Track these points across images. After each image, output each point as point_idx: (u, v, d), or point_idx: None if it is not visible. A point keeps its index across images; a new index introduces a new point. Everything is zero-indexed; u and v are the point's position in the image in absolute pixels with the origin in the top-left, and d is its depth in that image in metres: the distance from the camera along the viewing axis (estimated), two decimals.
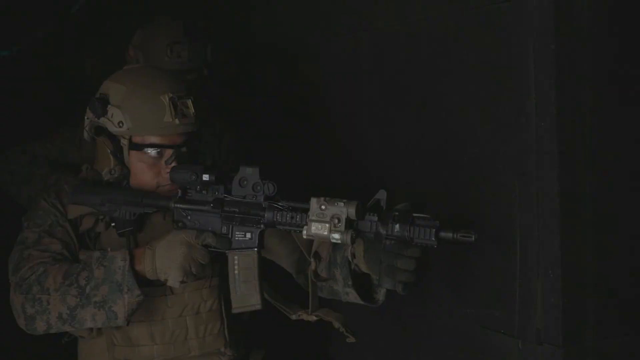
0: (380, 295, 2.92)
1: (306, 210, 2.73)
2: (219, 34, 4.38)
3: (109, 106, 2.98)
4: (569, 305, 2.86)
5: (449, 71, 3.19)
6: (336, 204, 2.66)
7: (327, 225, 2.66)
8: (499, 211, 3.00)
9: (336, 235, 2.66)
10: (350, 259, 2.90)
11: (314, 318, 3.03)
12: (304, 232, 2.71)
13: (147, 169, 3.03)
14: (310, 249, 3.05)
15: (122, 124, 2.95)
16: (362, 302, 2.92)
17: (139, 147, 3.00)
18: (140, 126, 2.98)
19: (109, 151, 3.04)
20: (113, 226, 3.05)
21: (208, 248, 2.92)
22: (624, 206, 2.91)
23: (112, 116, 2.97)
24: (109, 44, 4.46)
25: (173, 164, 2.98)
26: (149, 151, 2.99)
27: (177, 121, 2.96)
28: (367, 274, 2.89)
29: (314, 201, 2.69)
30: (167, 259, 2.89)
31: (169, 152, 3.01)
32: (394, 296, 2.85)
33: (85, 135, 3.12)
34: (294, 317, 3.09)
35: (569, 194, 2.86)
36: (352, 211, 2.66)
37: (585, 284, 2.88)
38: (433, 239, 2.61)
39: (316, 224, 2.68)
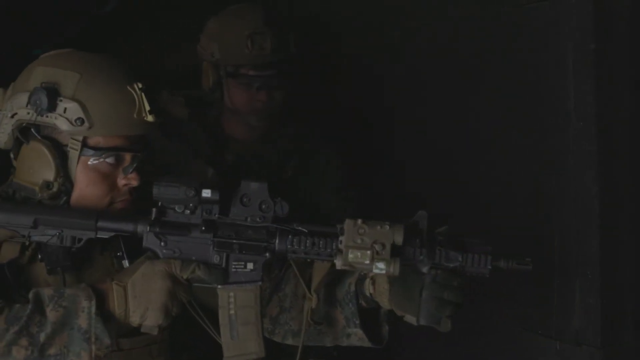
0: (385, 332, 2.50)
1: (332, 235, 2.29)
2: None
3: (60, 99, 2.29)
4: (607, 306, 2.84)
5: (487, 71, 3.17)
6: (379, 227, 2.24)
7: (369, 252, 2.23)
8: (537, 212, 2.98)
9: (381, 265, 2.24)
10: (357, 294, 2.45)
11: None
12: (338, 261, 2.24)
13: (100, 181, 2.35)
14: (310, 282, 2.47)
15: (82, 121, 2.28)
16: (368, 344, 2.48)
17: (100, 151, 2.32)
18: (106, 124, 2.30)
19: (51, 158, 2.32)
20: (40, 259, 2.33)
21: (194, 283, 2.31)
22: None
23: (64, 111, 2.28)
24: (154, 39, 4.35)
25: (132, 175, 2.37)
26: (106, 158, 2.34)
27: (150, 117, 2.34)
28: (369, 310, 2.46)
29: (349, 223, 2.25)
30: (143, 298, 2.23)
31: (127, 158, 2.36)
32: None
33: (3, 139, 2.39)
34: None
35: (607, 194, 2.82)
36: (398, 236, 2.24)
37: (623, 285, 2.86)
38: (489, 267, 2.27)
39: (355, 251, 2.23)
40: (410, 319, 2.31)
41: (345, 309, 2.47)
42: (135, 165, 2.36)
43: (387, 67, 3.80)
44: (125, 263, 2.39)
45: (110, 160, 2.35)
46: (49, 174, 2.33)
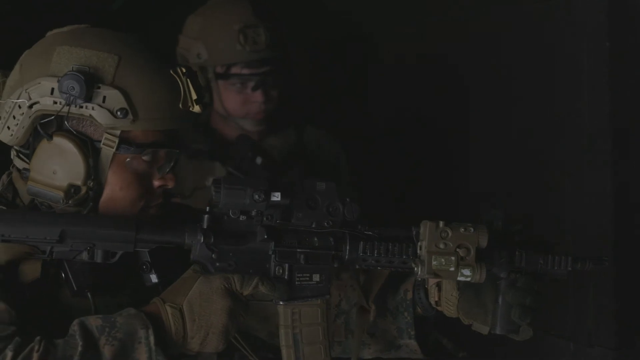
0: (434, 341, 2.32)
1: (404, 239, 2.05)
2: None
3: (99, 86, 1.93)
4: (621, 307, 2.83)
5: (500, 69, 3.11)
6: (462, 229, 2.03)
7: (453, 258, 2.02)
8: (551, 210, 2.93)
9: (467, 272, 2.04)
10: (414, 302, 2.25)
11: None
12: (419, 269, 2.01)
13: (135, 183, 1.99)
14: (368, 291, 2.25)
15: (126, 112, 1.93)
16: (420, 356, 2.27)
17: (140, 147, 1.96)
18: (151, 115, 1.96)
19: (81, 157, 1.94)
20: (64, 280, 1.96)
21: (254, 300, 2.02)
22: None
23: (104, 101, 1.92)
24: None
25: (169, 174, 2.04)
26: (144, 156, 1.99)
27: (197, 108, 2.02)
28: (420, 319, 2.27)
29: (430, 226, 2.02)
30: (203, 321, 1.93)
31: (162, 156, 2.03)
32: None
33: (19, 133, 1.97)
34: None
35: (622, 194, 2.80)
36: (482, 239, 2.04)
37: (637, 286, 2.85)
38: (569, 268, 2.12)
39: (438, 257, 2.02)
40: (479, 327, 2.13)
41: (398, 319, 2.25)
42: (172, 163, 2.03)
43: (430, 68, 3.70)
44: (153, 278, 2.03)
45: (147, 157, 1.98)
46: (78, 176, 1.93)
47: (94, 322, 1.85)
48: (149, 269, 2.02)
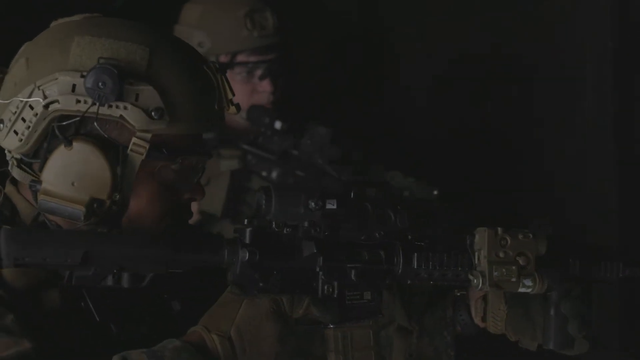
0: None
1: (459, 249, 1.87)
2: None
3: (130, 81, 1.64)
4: (625, 309, 2.83)
5: (505, 69, 3.09)
6: (521, 236, 1.87)
7: (514, 267, 1.86)
8: (556, 210, 2.91)
9: (528, 282, 1.87)
10: (454, 320, 2.07)
11: None
12: (479, 282, 1.83)
13: (164, 195, 1.74)
14: (409, 309, 2.02)
15: (161, 112, 1.65)
16: None
17: (173, 154, 1.71)
18: (187, 117, 1.70)
19: (108, 165, 1.66)
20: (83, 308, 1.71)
21: (304, 325, 1.75)
22: None
23: (137, 99, 1.64)
24: None
25: (197, 185, 1.81)
26: (173, 165, 1.73)
27: (233, 109, 1.80)
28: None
29: (489, 234, 1.85)
30: (254, 350, 1.69)
31: (191, 164, 1.77)
32: None
33: (30, 138, 1.67)
34: None
35: (628, 193, 2.81)
36: (542, 246, 1.89)
37: None
38: (620, 275, 2.00)
39: (499, 267, 1.85)
40: (528, 343, 1.99)
41: (436, 339, 2.04)
42: (201, 174, 1.79)
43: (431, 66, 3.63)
44: (175, 305, 1.81)
45: (176, 166, 1.72)
46: (102, 188, 1.65)
47: (137, 356, 1.60)
48: (170, 294, 1.80)
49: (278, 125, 2.90)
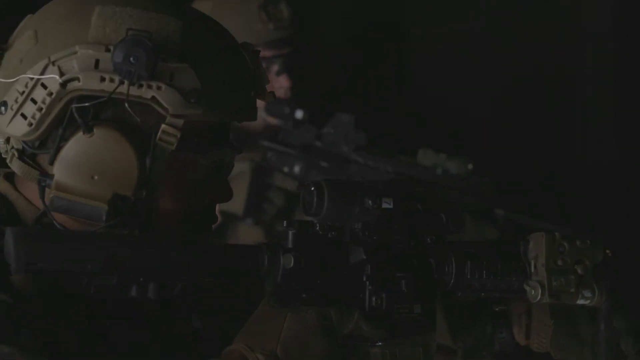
0: None
1: (512, 256, 1.70)
2: None
3: (164, 57, 1.40)
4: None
5: (508, 69, 3.07)
6: (578, 242, 1.73)
7: (573, 277, 1.72)
8: (559, 210, 2.89)
9: (587, 293, 1.73)
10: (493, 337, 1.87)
11: None
12: (537, 293, 1.67)
13: (191, 192, 1.51)
14: (449, 326, 1.80)
15: (198, 94, 1.42)
16: None
17: (205, 145, 1.49)
18: (223, 102, 1.48)
19: (135, 156, 1.42)
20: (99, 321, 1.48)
21: (352, 342, 1.55)
22: None
23: (171, 78, 1.41)
24: None
25: (223, 184, 1.58)
26: (205, 158, 1.51)
27: (269, 97, 1.58)
28: None
29: (547, 239, 1.69)
30: None
31: (218, 159, 1.55)
32: None
33: (43, 123, 1.42)
34: None
35: (628, 193, 2.82)
36: (598, 253, 1.76)
37: None
38: None
39: (558, 276, 1.71)
40: None
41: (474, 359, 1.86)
42: (229, 170, 1.56)
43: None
44: (195, 322, 1.59)
45: (205, 161, 1.49)
46: (127, 183, 1.42)
47: None
48: (189, 308, 1.58)
49: (299, 114, 2.81)
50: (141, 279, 1.36)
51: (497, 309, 1.83)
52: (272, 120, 2.86)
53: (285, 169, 2.87)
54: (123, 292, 1.36)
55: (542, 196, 2.98)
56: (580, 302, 1.73)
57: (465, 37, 3.34)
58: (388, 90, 3.65)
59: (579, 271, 1.74)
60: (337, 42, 3.68)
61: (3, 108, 1.42)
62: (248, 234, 2.80)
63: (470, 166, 2.75)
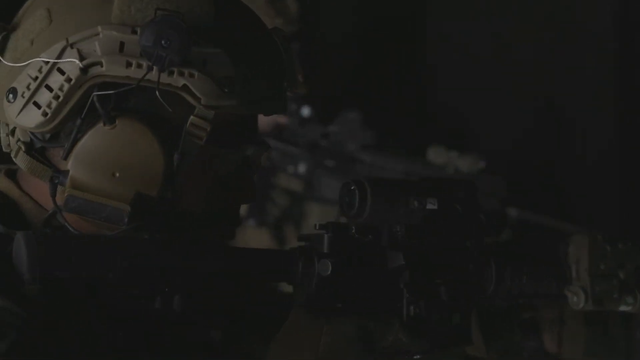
0: None
1: (551, 260, 1.61)
2: None
3: (197, 41, 1.26)
4: None
5: (510, 69, 3.05)
6: (620, 245, 1.64)
7: (616, 282, 1.64)
8: (559, 210, 2.85)
9: (630, 299, 1.64)
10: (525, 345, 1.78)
11: None
12: (579, 299, 1.60)
13: (215, 193, 1.37)
14: (483, 335, 1.69)
15: (231, 82, 1.29)
16: None
17: (235, 140, 1.37)
18: (256, 93, 1.34)
19: (161, 151, 1.28)
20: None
21: (391, 354, 1.45)
22: None
23: (204, 64, 1.27)
24: None
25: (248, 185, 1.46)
26: (233, 154, 1.39)
27: (303, 88, 1.46)
28: None
29: (590, 241, 1.62)
30: None
31: (245, 156, 1.43)
32: None
33: (60, 113, 1.27)
34: None
35: (628, 193, 2.84)
36: (636, 256, 1.67)
37: None
38: None
39: (602, 281, 1.62)
40: None
41: None
42: (256, 170, 1.43)
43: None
44: (216, 334, 1.47)
45: (235, 157, 1.37)
46: (152, 181, 1.28)
47: None
48: (209, 320, 1.43)
49: (306, 112, 2.76)
50: (166, 290, 1.25)
51: (526, 316, 1.74)
52: (281, 119, 2.78)
53: (290, 169, 2.81)
54: (146, 304, 1.25)
55: (542, 196, 2.96)
56: (622, 308, 1.66)
57: (471, 36, 3.36)
58: (396, 87, 3.63)
59: (621, 276, 1.66)
60: (344, 39, 3.66)
61: (11, 96, 1.27)
62: (252, 236, 2.73)
63: (481, 164, 2.71)
